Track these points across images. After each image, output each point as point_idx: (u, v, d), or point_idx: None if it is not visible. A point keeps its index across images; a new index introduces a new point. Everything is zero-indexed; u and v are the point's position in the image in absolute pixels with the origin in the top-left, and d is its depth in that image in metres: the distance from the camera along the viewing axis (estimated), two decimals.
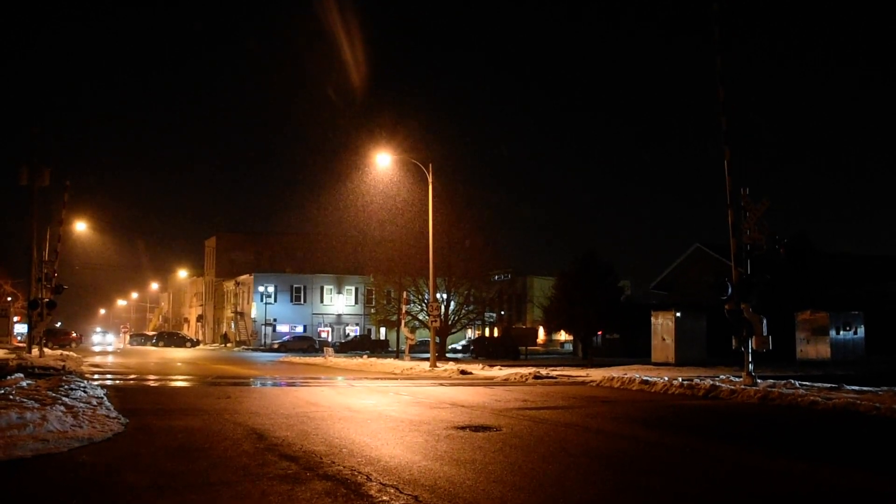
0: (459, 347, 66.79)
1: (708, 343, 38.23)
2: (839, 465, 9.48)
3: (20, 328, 69.70)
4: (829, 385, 19.22)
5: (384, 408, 15.61)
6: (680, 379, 21.39)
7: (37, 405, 12.29)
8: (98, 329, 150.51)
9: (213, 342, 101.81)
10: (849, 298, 45.69)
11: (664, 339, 38.33)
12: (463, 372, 29.92)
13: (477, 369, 31.76)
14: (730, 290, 20.68)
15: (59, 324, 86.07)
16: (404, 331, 45.25)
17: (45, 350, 39.74)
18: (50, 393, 14.82)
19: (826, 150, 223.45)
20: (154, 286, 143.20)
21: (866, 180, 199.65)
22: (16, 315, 72.65)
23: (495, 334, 74.24)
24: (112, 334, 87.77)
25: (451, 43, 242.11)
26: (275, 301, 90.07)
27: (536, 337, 67.77)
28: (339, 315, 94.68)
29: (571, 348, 65.26)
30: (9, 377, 19.06)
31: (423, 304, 51.93)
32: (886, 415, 14.38)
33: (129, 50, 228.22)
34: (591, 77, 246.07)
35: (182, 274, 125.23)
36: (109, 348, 69.90)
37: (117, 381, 23.37)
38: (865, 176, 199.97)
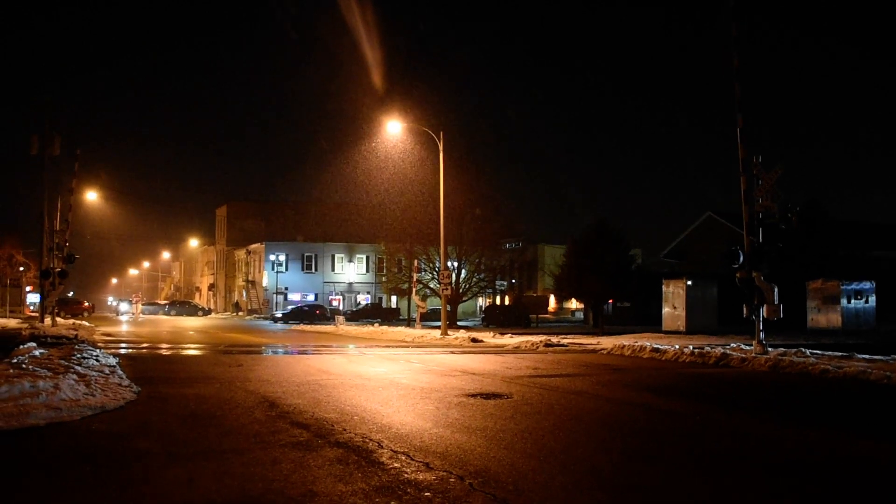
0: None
1: (719, 311, 38.19)
2: (850, 434, 9.46)
3: (32, 298, 70.13)
4: (839, 354, 19.17)
5: (395, 375, 15.65)
6: (690, 347, 21.38)
7: (49, 374, 12.35)
8: (111, 298, 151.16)
9: (225, 311, 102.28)
10: (860, 267, 45.48)
11: (675, 308, 38.29)
12: (474, 340, 30.00)
13: (488, 337, 31.85)
14: (741, 259, 20.61)
15: (72, 293, 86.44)
16: (415, 299, 45.30)
17: (58, 319, 39.98)
18: (62, 362, 14.89)
19: (840, 117, 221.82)
20: (165, 255, 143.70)
21: (881, 148, 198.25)
22: (28, 285, 73.04)
23: (506, 303, 74.27)
24: (139, 303, 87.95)
25: (465, 15, 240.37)
26: (286, 269, 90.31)
27: (547, 305, 67.81)
28: (350, 283, 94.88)
29: (582, 317, 65.29)
30: (21, 346, 19.16)
31: (435, 273, 51.99)
32: None
33: (141, 22, 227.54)
34: (603, 48, 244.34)
35: (193, 243, 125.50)
36: (141, 317, 69.96)
37: (129, 350, 23.49)
38: (880, 144, 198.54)
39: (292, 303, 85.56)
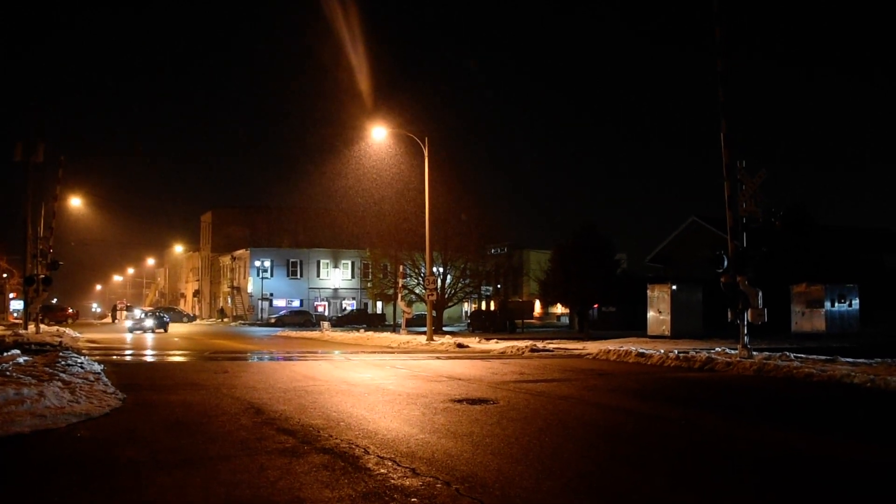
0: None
1: (704, 316, 38.30)
2: (836, 437, 9.53)
3: (16, 305, 69.73)
4: (824, 357, 19.27)
5: (381, 381, 15.64)
6: (676, 351, 21.44)
7: (34, 381, 12.31)
8: (95, 304, 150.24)
9: (210, 317, 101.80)
10: (844, 271, 45.75)
11: (660, 312, 38.39)
12: (459, 345, 29.97)
13: (473, 342, 31.84)
14: (726, 263, 20.69)
15: (55, 300, 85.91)
16: (401, 305, 45.27)
17: (42, 326, 39.75)
18: (47, 369, 14.83)
19: (827, 123, 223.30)
20: (150, 261, 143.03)
21: (868, 154, 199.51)
22: (12, 291, 72.66)
23: (492, 308, 74.24)
24: (124, 310, 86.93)
25: (452, 26, 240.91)
26: (271, 275, 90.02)
27: (533, 310, 67.90)
28: (335, 289, 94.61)
29: (568, 321, 65.30)
30: (5, 353, 19.05)
31: (420, 278, 51.98)
32: (880, 386, 14.45)
33: (127, 32, 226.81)
34: (588, 53, 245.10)
35: (178, 249, 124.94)
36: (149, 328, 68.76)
37: (114, 357, 23.39)
38: (868, 150, 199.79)
39: (277, 309, 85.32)
